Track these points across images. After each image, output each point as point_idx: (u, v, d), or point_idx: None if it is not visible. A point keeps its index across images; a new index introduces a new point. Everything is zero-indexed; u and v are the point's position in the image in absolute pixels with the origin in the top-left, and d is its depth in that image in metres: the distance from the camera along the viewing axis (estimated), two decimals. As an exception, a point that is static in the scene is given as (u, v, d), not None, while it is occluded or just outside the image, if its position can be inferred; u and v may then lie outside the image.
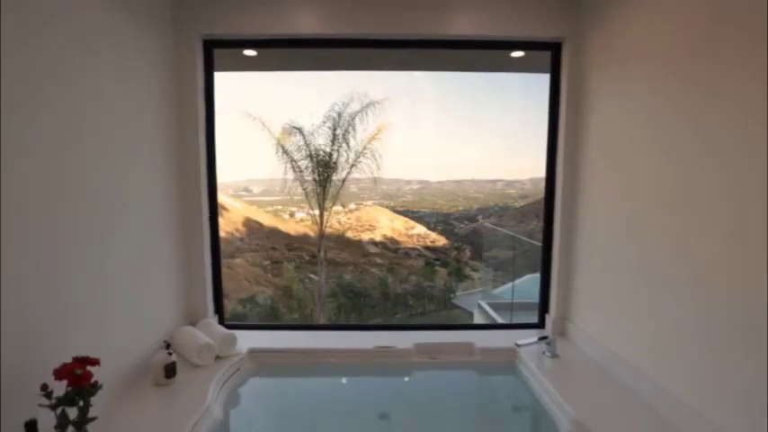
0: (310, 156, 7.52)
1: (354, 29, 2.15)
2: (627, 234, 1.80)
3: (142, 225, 1.85)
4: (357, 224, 9.23)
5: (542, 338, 2.13)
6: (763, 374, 1.15)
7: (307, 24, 2.15)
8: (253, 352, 2.13)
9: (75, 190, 1.43)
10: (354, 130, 7.46)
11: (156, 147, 1.96)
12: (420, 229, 9.05)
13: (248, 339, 2.20)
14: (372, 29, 2.15)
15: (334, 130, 7.66)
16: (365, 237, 8.87)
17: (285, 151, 7.45)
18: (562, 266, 2.32)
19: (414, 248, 8.73)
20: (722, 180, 1.31)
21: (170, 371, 1.76)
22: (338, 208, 8.19)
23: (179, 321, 2.16)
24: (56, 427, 1.18)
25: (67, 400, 1.19)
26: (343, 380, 2.20)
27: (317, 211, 7.51)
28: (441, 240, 9.15)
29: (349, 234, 9.00)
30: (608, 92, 1.97)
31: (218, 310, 2.37)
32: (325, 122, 7.51)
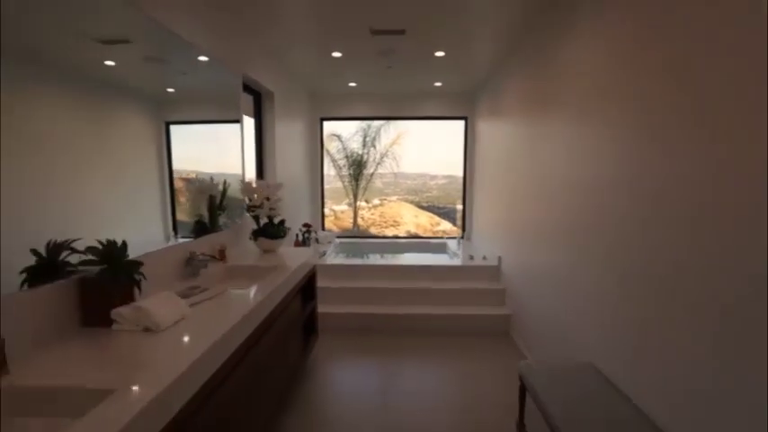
0: (347, 157, 10.81)
1: (383, 112, 5.66)
2: (490, 202, 5.21)
3: (312, 194, 5.42)
4: (381, 220, 9.43)
5: (458, 238, 5.59)
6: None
7: (362, 110, 5.68)
8: (340, 242, 5.70)
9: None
10: (380, 136, 10.69)
11: (305, 162, 5.51)
12: (446, 225, 8.98)
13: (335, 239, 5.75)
14: (388, 112, 5.66)
15: (365, 137, 10.74)
16: (389, 233, 9.02)
17: (328, 153, 10.82)
18: (468, 216, 5.75)
19: (439, 246, 9.20)
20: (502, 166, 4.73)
21: (307, 240, 5.33)
22: (362, 203, 9.06)
23: (311, 230, 5.74)
24: (301, 242, 4.72)
25: (307, 231, 4.74)
26: (376, 253, 5.72)
27: (341, 207, 10.51)
28: (467, 237, 9.43)
29: (373, 230, 9.22)
30: (483, 132, 5.36)
31: (323, 226, 5.96)
32: (357, 132, 10.78)
